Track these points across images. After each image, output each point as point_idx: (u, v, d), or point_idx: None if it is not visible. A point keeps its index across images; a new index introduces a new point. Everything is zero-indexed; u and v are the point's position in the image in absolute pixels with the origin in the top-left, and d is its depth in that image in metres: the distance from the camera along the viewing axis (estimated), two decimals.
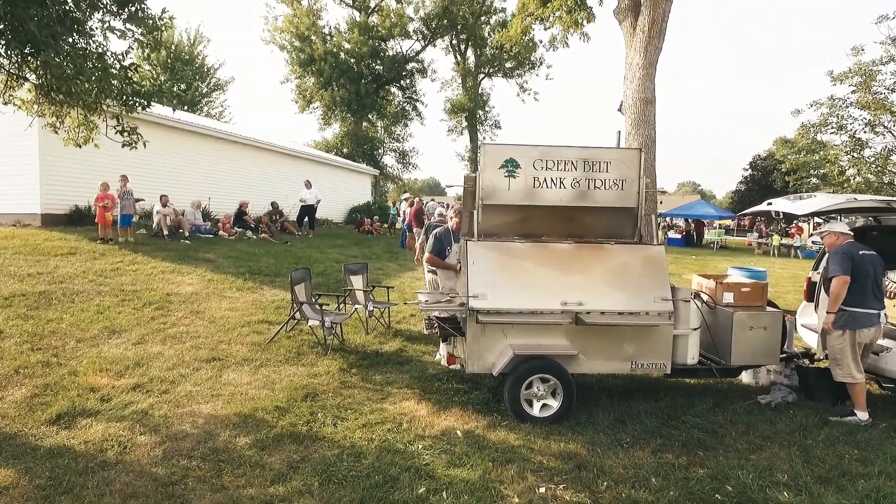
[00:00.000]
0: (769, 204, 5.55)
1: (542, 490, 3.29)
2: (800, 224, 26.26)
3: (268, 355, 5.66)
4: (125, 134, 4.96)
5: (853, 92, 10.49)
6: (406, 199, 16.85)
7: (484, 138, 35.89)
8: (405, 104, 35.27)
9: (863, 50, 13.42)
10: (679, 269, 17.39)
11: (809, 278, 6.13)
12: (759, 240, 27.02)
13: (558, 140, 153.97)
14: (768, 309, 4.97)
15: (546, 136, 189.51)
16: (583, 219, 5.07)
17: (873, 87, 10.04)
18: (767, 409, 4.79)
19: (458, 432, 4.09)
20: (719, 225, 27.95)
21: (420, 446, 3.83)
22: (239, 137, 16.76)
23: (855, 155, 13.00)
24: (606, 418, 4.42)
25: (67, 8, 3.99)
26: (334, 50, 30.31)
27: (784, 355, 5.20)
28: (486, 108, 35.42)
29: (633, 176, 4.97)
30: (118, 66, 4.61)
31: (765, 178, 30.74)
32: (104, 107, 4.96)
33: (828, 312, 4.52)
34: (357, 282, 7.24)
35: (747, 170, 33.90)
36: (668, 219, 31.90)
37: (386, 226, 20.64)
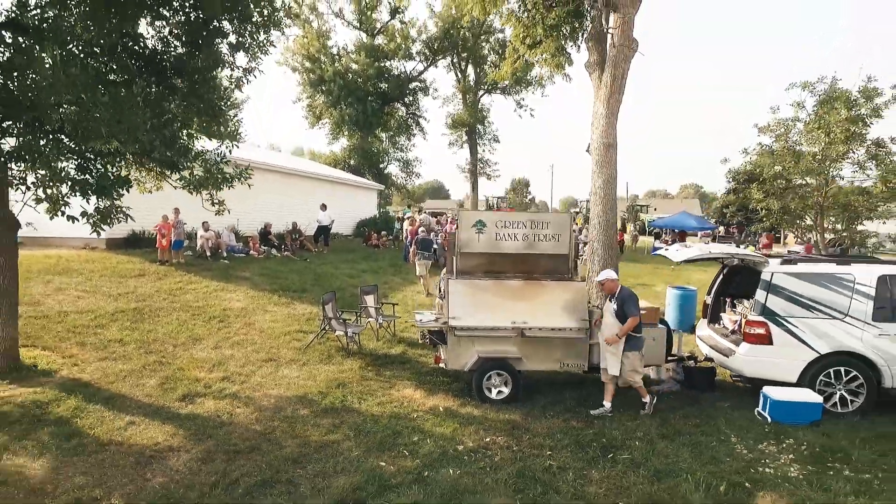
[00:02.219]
0: (667, 248, 7.69)
1: (487, 439, 5.45)
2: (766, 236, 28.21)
3: (307, 356, 7.84)
4: (216, 205, 7.09)
5: (774, 142, 12.48)
6: (408, 219, 19.05)
7: (483, 152, 38.09)
8: (409, 119, 37.45)
9: (779, 108, 15.86)
10: (654, 279, 19.50)
11: (705, 301, 8.26)
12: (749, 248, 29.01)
13: (551, 150, 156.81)
14: (659, 326, 7.09)
15: (541, 148, 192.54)
16: (531, 261, 7.21)
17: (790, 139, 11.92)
18: (656, 394, 6.93)
19: (441, 408, 6.25)
20: (701, 235, 29.93)
21: (415, 416, 5.99)
22: (261, 164, 18.97)
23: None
24: (542, 400, 6.57)
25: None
26: (342, 70, 32.52)
27: (673, 358, 7.34)
28: (486, 124, 37.58)
29: (566, 232, 7.12)
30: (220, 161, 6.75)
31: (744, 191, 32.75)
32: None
33: (618, 336, 6.06)
34: (369, 300, 9.40)
35: (729, 182, 35.89)
36: (657, 228, 33.95)
37: (391, 238, 22.79)
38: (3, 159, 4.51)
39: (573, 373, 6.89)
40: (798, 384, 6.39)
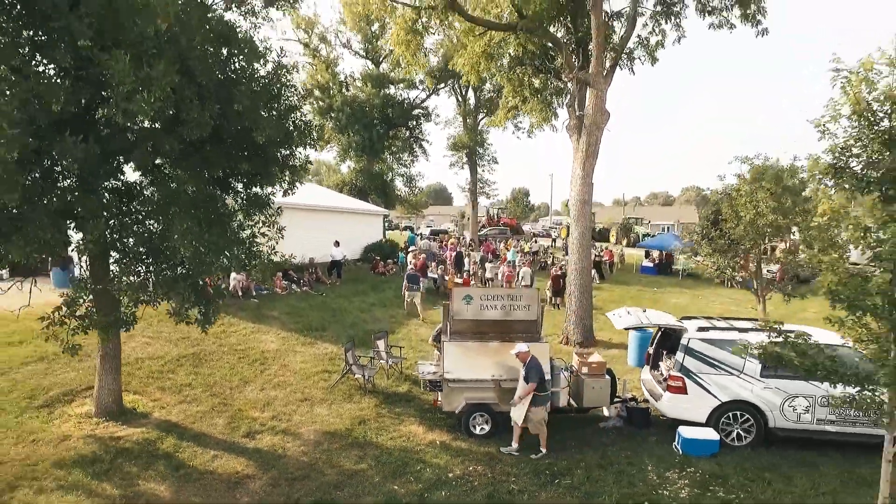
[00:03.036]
0: (618, 315, 9.81)
1: (471, 468, 7.58)
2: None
3: (334, 396, 9.98)
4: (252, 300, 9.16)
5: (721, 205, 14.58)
6: (412, 252, 21.21)
7: (483, 172, 40.25)
8: (411, 142, 39.62)
9: (724, 177, 18.35)
10: (636, 303, 21.47)
11: (648, 351, 10.36)
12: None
13: (550, 159, 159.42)
14: (605, 377, 9.20)
15: (541, 158, 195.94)
16: (507, 325, 9.33)
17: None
18: (604, 430, 9.04)
19: (437, 441, 8.38)
20: (684, 257, 31.87)
21: (418, 448, 8.12)
22: (287, 204, 21.09)
23: None
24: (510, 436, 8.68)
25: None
26: (350, 99, 34.70)
27: (619, 399, 9.46)
28: (485, 146, 39.68)
29: (535, 303, 9.25)
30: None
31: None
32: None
33: (520, 397, 8.00)
34: (381, 345, 11.54)
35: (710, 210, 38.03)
36: (645, 248, 35.93)
37: (397, 265, 24.91)
38: (146, 296, 6.61)
39: None
40: (706, 424, 8.51)
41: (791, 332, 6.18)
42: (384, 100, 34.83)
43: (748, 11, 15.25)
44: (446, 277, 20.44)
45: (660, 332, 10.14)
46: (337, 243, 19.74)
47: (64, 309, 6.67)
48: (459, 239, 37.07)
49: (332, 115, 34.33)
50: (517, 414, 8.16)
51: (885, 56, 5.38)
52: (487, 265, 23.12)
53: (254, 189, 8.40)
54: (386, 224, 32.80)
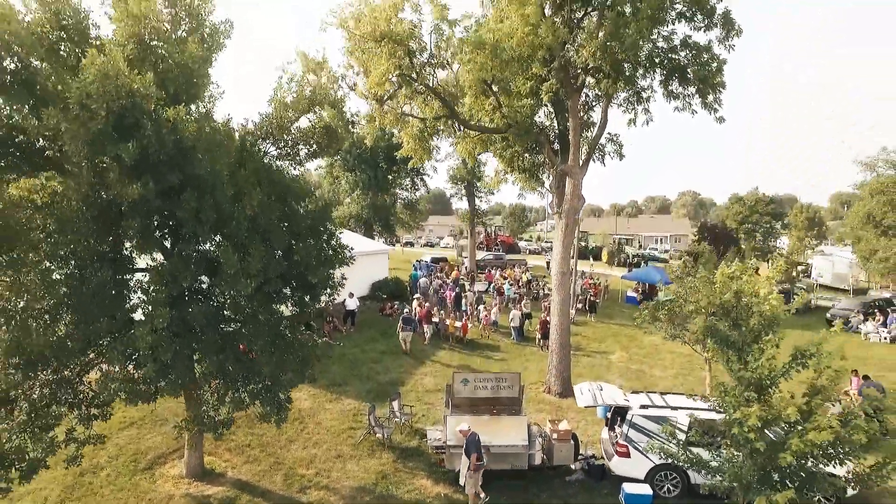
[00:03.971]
0: (581, 392, 12.58)
1: None
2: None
3: (360, 452, 12.73)
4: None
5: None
6: (417, 299, 24.01)
7: (480, 204, 43.02)
8: (413, 175, 42.39)
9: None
10: (614, 345, 24.27)
11: (607, 416, 13.12)
12: None
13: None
14: (570, 441, 11.96)
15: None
16: (496, 402, 12.11)
17: None
18: (569, 482, 11.82)
19: (442, 493, 11.14)
20: (665, 289, 34.60)
21: (428, 500, 10.88)
22: None
23: None
24: (497, 485, 11.46)
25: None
26: (357, 140, 37.45)
27: (582, 456, 12.24)
28: (483, 179, 42.44)
29: (517, 384, 12.03)
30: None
31: (714, 242, 37.53)
32: None
33: (470, 469, 10.97)
34: (395, 405, 14.29)
35: (695, 235, 40.92)
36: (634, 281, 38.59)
37: (402, 308, 27.63)
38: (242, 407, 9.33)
39: (518, 469, 11.77)
40: (644, 481, 11.29)
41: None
42: (389, 141, 37.57)
43: (707, 101, 18.00)
44: (447, 322, 23.18)
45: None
46: (351, 294, 22.50)
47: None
48: (459, 268, 39.84)
49: (340, 155, 37.07)
50: (461, 479, 10.68)
51: None
52: (481, 307, 25.87)
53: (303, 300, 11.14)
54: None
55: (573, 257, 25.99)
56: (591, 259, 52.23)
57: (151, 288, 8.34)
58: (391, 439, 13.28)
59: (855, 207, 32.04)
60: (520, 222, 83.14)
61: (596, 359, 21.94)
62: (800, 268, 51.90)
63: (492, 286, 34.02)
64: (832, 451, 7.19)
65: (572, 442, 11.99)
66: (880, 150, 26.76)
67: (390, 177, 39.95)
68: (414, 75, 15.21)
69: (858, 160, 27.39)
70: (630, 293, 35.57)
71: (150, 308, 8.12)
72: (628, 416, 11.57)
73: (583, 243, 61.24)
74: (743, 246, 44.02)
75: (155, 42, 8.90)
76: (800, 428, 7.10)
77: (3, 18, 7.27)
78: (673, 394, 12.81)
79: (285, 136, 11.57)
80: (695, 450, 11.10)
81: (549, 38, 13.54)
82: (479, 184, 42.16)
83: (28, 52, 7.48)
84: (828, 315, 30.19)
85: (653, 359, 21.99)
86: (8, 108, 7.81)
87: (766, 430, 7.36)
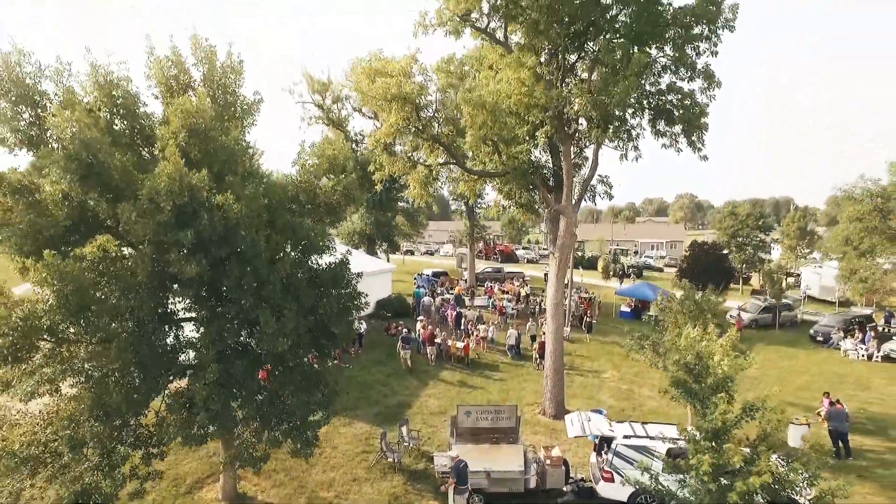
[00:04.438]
0: (571, 423, 14.05)
1: None
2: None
3: (373, 475, 14.18)
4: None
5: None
6: (420, 321, 25.49)
7: (479, 220, 44.47)
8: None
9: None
10: (606, 364, 25.71)
11: (594, 442, 14.57)
12: None
13: None
14: (562, 467, 13.42)
15: None
16: (496, 431, 13.57)
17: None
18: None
19: None
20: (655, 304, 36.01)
21: None
22: None
23: None
24: None
25: None
26: (362, 160, 38.85)
27: (571, 481, 13.70)
28: (482, 198, 43.87)
29: (514, 415, 13.51)
30: None
31: (704, 260, 39.06)
32: None
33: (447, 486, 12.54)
34: (404, 430, 15.74)
35: (687, 251, 42.43)
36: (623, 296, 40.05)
37: (406, 330, 29.07)
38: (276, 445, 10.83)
39: (515, 492, 13.22)
40: (627, 503, 12.74)
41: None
42: (390, 149, 39.05)
43: (691, 140, 19.45)
44: (449, 342, 24.64)
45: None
46: (361, 321, 23.95)
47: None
48: (460, 282, 41.29)
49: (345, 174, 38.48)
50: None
51: None
52: (481, 326, 27.35)
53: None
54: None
55: (569, 267, 27.47)
56: (581, 269, 53.46)
57: (200, 345, 9.79)
58: (401, 462, 14.73)
59: (834, 232, 33.56)
60: (518, 230, 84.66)
61: (589, 378, 23.42)
62: (790, 279, 53.56)
63: (492, 301, 35.49)
64: (775, 487, 8.63)
65: (564, 467, 13.45)
66: (858, 177, 28.26)
67: (392, 193, 41.35)
68: (421, 127, 16.66)
69: (837, 187, 28.86)
70: (624, 308, 37.00)
71: (201, 363, 9.57)
72: (613, 445, 13.04)
73: (579, 252, 62.79)
74: (734, 262, 45.56)
75: (203, 129, 10.34)
76: (745, 471, 8.54)
77: (88, 127, 8.72)
78: (654, 423, 14.27)
79: (309, 197, 12.98)
80: (672, 476, 12.65)
81: (542, 98, 14.99)
82: (479, 211, 43.59)
83: (106, 153, 8.91)
84: (811, 331, 31.70)
85: (642, 378, 23.44)
86: (84, 196, 9.24)
87: (718, 475, 8.81)
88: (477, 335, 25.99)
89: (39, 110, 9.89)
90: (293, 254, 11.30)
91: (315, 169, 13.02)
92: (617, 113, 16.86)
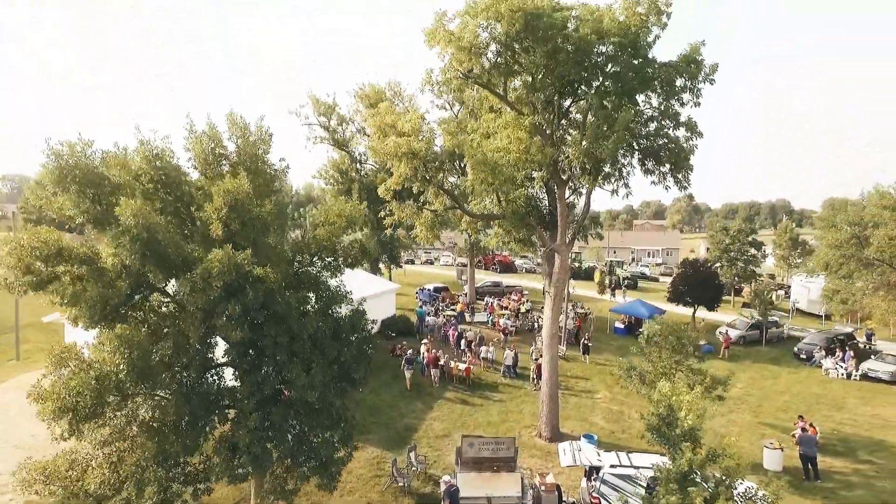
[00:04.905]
0: (563, 453, 15.63)
1: None
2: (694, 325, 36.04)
3: (386, 498, 15.74)
4: None
5: None
6: (425, 344, 27.09)
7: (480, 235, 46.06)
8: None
9: None
10: (598, 385, 27.24)
11: (584, 469, 16.14)
12: None
13: None
14: (555, 492, 14.99)
15: None
16: (496, 461, 15.15)
17: None
18: None
19: None
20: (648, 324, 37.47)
21: None
22: None
23: None
24: None
25: None
26: (365, 180, 40.45)
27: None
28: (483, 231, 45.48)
29: (512, 446, 15.10)
30: None
31: (695, 277, 40.61)
32: None
33: None
34: (412, 456, 17.29)
35: (680, 268, 43.95)
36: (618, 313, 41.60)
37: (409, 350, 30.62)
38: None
39: None
40: None
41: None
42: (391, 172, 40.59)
43: (678, 178, 21.02)
44: (451, 364, 26.19)
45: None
46: None
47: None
48: (461, 298, 42.80)
49: (351, 195, 40.03)
50: None
51: None
52: (482, 348, 28.94)
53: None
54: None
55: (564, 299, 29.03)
56: (574, 282, 54.95)
57: (241, 396, 11.34)
58: (411, 486, 16.30)
59: (814, 261, 35.23)
60: None
61: (582, 398, 25.01)
62: (780, 292, 55.25)
63: (491, 318, 37.09)
64: None
65: (557, 493, 15.03)
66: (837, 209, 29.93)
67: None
68: (428, 176, 18.25)
69: (817, 216, 30.58)
70: (618, 324, 38.55)
71: (242, 412, 11.13)
72: (600, 473, 14.61)
73: (576, 264, 64.34)
74: (725, 276, 47.15)
75: (241, 204, 11.88)
76: None
77: (148, 212, 10.28)
78: (640, 452, 15.84)
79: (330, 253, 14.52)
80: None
81: (538, 156, 16.57)
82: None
83: (164, 234, 10.47)
84: (795, 349, 33.32)
85: (633, 399, 24.97)
86: (143, 268, 10.79)
87: None
88: (473, 359, 27.51)
89: (101, 192, 11.42)
90: (317, 305, 12.85)
91: (335, 229, 14.53)
92: (607, 166, 18.45)
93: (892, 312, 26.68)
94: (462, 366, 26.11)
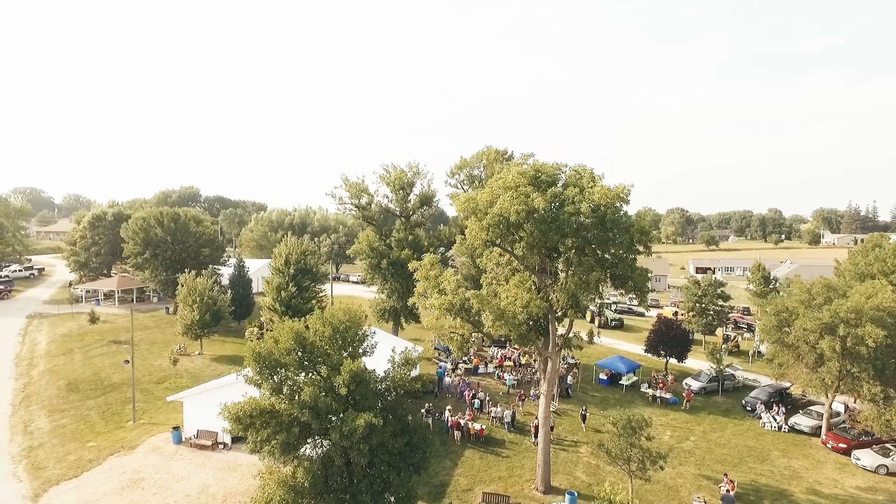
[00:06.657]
0: None
1: None
2: (663, 380, 44.15)
3: None
4: None
5: None
6: (448, 410, 35.17)
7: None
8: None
9: None
10: (581, 437, 35.20)
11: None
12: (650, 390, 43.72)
13: None
14: None
15: None
16: None
17: None
18: None
19: None
20: (629, 375, 45.27)
21: None
22: None
23: None
24: None
25: None
26: (393, 257, 48.17)
27: None
28: None
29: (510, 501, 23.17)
30: None
31: (667, 333, 48.50)
32: None
33: None
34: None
35: (655, 325, 51.85)
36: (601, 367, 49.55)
37: (435, 414, 38.49)
38: None
39: None
40: None
41: None
42: (413, 246, 48.23)
43: (642, 299, 28.99)
44: (469, 425, 34.14)
45: None
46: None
47: None
48: (475, 352, 50.51)
49: (381, 269, 48.01)
50: None
51: None
52: (494, 409, 36.91)
53: None
54: None
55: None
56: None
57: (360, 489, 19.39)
58: None
59: (761, 325, 43.15)
60: None
61: (569, 452, 32.97)
62: (748, 333, 63.31)
63: (497, 372, 45.24)
64: None
65: None
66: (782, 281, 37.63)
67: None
68: (453, 315, 26.31)
69: (777, 279, 38.20)
70: (602, 376, 46.45)
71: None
72: None
73: None
74: (695, 326, 55.17)
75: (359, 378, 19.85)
76: None
77: (312, 386, 18.31)
78: None
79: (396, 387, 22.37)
80: None
81: (535, 309, 24.61)
82: None
83: (322, 402, 18.50)
84: (743, 401, 41.24)
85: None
86: (310, 420, 18.81)
87: None
88: (469, 415, 35.35)
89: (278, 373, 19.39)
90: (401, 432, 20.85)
91: (403, 373, 22.37)
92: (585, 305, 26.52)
93: (813, 383, 34.50)
94: (478, 426, 34.08)
